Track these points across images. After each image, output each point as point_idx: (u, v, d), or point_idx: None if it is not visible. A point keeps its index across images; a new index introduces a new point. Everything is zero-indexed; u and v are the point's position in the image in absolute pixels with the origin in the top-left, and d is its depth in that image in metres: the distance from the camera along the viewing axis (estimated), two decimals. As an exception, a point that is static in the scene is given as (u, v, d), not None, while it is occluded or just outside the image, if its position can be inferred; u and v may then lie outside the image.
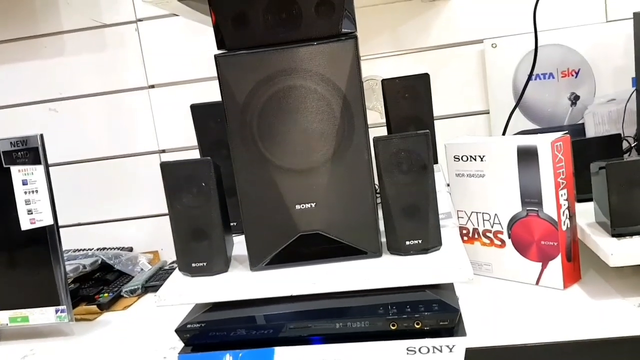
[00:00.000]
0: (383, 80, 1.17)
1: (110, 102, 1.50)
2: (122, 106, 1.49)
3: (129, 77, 1.48)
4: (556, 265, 0.96)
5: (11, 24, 1.49)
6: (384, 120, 1.24)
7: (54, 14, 1.47)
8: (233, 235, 1.10)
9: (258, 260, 0.95)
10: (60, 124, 1.52)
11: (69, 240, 1.53)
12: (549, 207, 0.94)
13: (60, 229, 1.57)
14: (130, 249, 1.54)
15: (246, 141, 0.91)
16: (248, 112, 0.90)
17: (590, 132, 1.29)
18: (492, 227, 1.03)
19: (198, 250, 0.96)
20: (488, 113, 1.39)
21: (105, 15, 1.46)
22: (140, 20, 1.45)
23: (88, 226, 1.58)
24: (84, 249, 1.53)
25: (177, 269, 1.00)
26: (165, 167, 0.95)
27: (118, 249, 1.52)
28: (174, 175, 0.95)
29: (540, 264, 0.98)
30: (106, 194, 1.55)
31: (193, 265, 0.97)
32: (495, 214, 1.02)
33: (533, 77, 1.31)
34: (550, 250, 0.96)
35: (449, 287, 0.90)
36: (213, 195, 0.95)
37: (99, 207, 1.56)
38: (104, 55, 1.48)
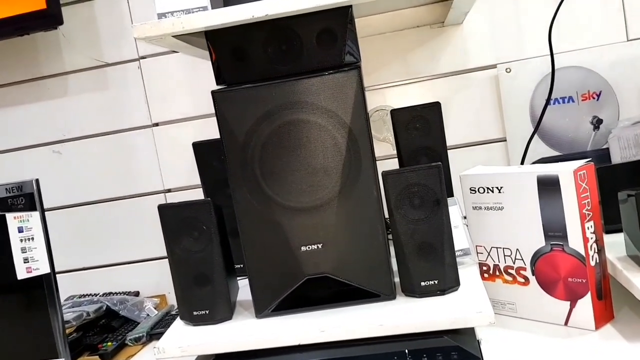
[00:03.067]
0: (392, 111, 1.13)
1: (115, 141, 1.48)
2: (126, 145, 1.47)
3: (132, 115, 1.46)
4: (586, 304, 0.89)
5: (14, 67, 1.49)
6: (396, 151, 1.20)
7: (56, 56, 1.47)
8: (238, 278, 1.06)
9: (263, 306, 0.91)
10: (65, 166, 1.51)
11: (74, 285, 1.54)
12: (575, 241, 0.88)
13: (66, 274, 1.57)
14: (137, 294, 1.49)
15: (247, 180, 0.88)
16: (249, 150, 0.88)
17: (616, 157, 1.23)
18: (514, 263, 0.97)
19: (200, 297, 0.93)
20: (505, 141, 1.34)
21: (107, 54, 1.45)
22: (142, 57, 1.43)
23: (94, 270, 1.54)
24: (89, 294, 1.49)
25: (178, 317, 0.96)
26: (163, 210, 0.92)
27: (124, 293, 1.48)
28: (173, 219, 0.93)
29: (568, 302, 0.91)
30: (112, 237, 1.52)
31: (195, 313, 0.94)
32: (517, 249, 0.96)
33: (552, 101, 1.26)
34: (578, 288, 0.90)
35: (469, 331, 0.85)
36: (215, 239, 0.92)
37: (104, 251, 1.53)
38: (107, 95, 1.46)
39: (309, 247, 0.88)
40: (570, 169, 0.87)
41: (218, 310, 0.93)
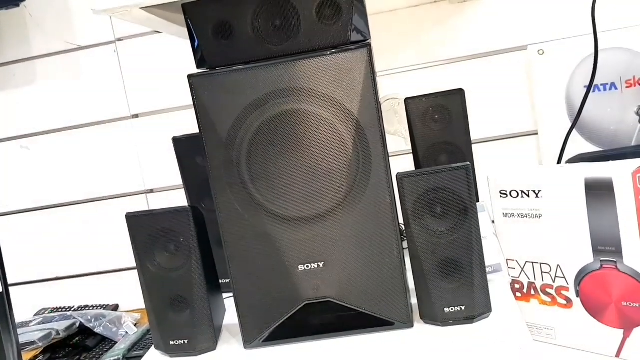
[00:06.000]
0: (407, 100, 1.02)
1: (89, 135, 1.40)
2: (103, 140, 1.40)
3: (109, 106, 1.38)
4: (644, 334, 0.78)
5: (-25, 51, 1.41)
6: (409, 147, 1.09)
7: (22, 38, 1.38)
8: (224, 295, 0.94)
9: (253, 335, 0.81)
10: (34, 164, 1.43)
11: (46, 297, 1.47)
12: (632, 258, 0.78)
13: (37, 284, 1.48)
14: (115, 307, 1.40)
15: (233, 184, 0.77)
16: (234, 147, 0.76)
17: (666, 154, 1.11)
18: (553, 281, 0.86)
19: (177, 324, 0.82)
20: (536, 134, 1.24)
21: (79, 37, 1.36)
22: (119, 39, 1.35)
23: (68, 280, 1.46)
24: (62, 308, 1.40)
25: (152, 347, 0.84)
26: (132, 219, 0.82)
27: (101, 307, 1.39)
28: (145, 230, 0.82)
29: (621, 331, 0.81)
30: (88, 243, 1.44)
31: (172, 343, 0.83)
32: (558, 265, 0.85)
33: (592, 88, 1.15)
34: (634, 314, 0.80)
35: (505, 369, 0.72)
36: (194, 254, 0.81)
37: (80, 258, 1.45)
38: (81, 82, 1.38)
39: (307, 266, 0.77)
40: (628, 171, 0.76)
41: (199, 339, 0.82)
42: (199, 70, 0.78)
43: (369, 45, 0.74)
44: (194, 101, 0.76)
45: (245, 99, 0.75)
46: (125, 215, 0.81)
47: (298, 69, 0.74)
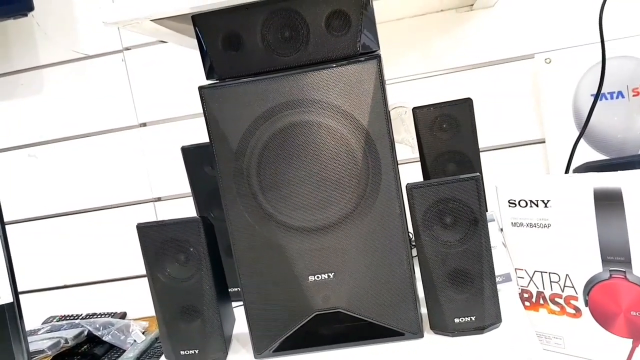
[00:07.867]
0: (415, 109, 1.01)
1: (97, 144, 1.39)
2: (110, 148, 1.39)
3: (116, 114, 1.37)
4: (654, 344, 0.77)
5: (-17, 60, 1.41)
6: (416, 155, 1.09)
7: (30, 47, 1.37)
8: (234, 304, 0.94)
9: (263, 345, 0.81)
10: (42, 172, 1.42)
11: (54, 305, 1.47)
12: None
13: (45, 292, 1.48)
14: (123, 315, 1.40)
15: (243, 194, 0.77)
16: (244, 158, 0.76)
17: (673, 162, 1.11)
18: (562, 290, 0.86)
19: (188, 334, 0.82)
20: (544, 142, 1.23)
21: (87, 46, 1.35)
22: (127, 49, 1.34)
23: (76, 288, 1.45)
24: (70, 316, 1.40)
25: (162, 357, 0.84)
26: (143, 230, 0.81)
27: (109, 314, 1.39)
28: (155, 240, 0.81)
29: (630, 340, 0.81)
30: (96, 251, 1.43)
31: (182, 353, 0.83)
32: (567, 275, 0.85)
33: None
34: None
35: (515, 380, 0.72)
36: (205, 264, 0.81)
37: (88, 266, 1.44)
38: (88, 91, 1.37)
39: (317, 277, 0.76)
40: (637, 180, 0.75)
41: (210, 349, 0.82)
42: (209, 82, 0.78)
43: (379, 56, 0.73)
44: (204, 112, 0.76)
45: (255, 110, 0.75)
46: (136, 226, 0.81)
47: (307, 80, 0.74)
